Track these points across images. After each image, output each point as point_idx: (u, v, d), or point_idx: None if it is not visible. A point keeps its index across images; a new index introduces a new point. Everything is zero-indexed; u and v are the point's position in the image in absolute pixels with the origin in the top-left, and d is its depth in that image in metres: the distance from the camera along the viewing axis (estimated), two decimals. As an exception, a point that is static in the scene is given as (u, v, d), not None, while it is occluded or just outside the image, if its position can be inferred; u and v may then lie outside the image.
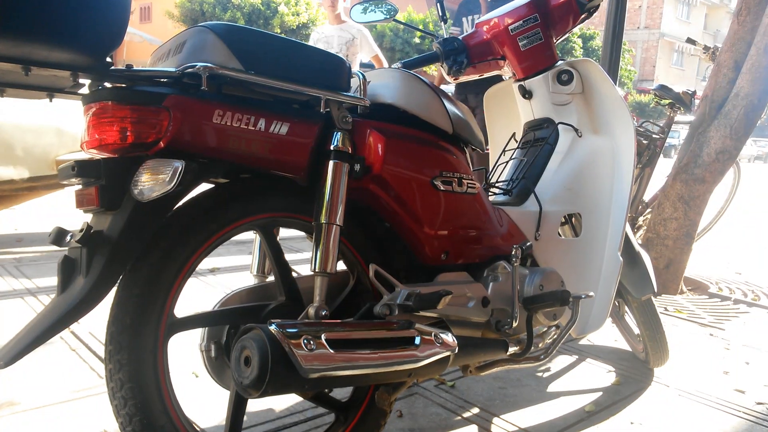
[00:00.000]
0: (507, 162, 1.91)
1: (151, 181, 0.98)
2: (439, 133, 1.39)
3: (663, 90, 3.31)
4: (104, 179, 1.00)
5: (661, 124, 3.40)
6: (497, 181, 1.84)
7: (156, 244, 1.04)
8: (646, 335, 1.97)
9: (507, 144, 1.97)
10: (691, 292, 3.24)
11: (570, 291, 1.47)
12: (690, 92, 3.31)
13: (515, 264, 1.42)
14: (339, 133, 1.18)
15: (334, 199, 1.16)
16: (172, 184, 0.97)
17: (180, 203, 1.09)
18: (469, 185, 1.42)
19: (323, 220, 1.15)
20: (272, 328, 0.98)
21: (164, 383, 1.06)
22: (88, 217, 1.06)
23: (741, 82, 3.02)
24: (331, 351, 1.02)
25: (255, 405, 1.65)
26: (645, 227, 3.36)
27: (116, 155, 1.01)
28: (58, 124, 3.18)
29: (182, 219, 1.08)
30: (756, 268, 4.05)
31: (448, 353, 1.20)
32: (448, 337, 1.21)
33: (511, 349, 1.43)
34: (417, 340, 1.15)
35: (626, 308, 2.20)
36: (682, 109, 3.30)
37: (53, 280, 1.02)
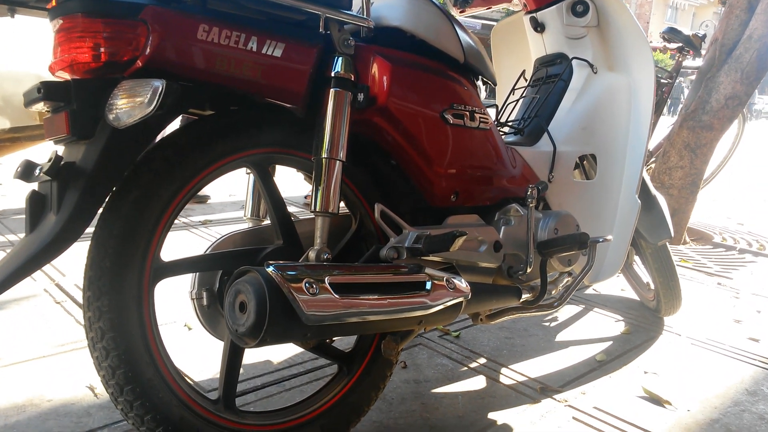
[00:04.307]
0: (517, 101, 1.79)
1: (129, 104, 0.86)
2: (450, 63, 1.27)
3: (672, 32, 3.16)
4: (75, 103, 0.87)
5: (669, 69, 3.27)
6: (507, 121, 1.73)
7: (137, 178, 0.93)
8: (660, 282, 1.89)
9: (516, 82, 1.84)
10: (694, 242, 3.18)
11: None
12: (700, 35, 3.17)
13: (531, 205, 1.32)
14: (340, 57, 1.05)
15: (335, 132, 1.04)
16: (152, 107, 0.84)
17: (163, 135, 0.97)
18: (482, 120, 1.30)
19: (324, 155, 1.04)
20: (270, 270, 0.88)
21: (151, 333, 0.96)
22: (60, 149, 0.94)
23: (755, 24, 2.88)
24: (336, 296, 0.92)
25: (252, 356, 1.56)
26: (649, 176, 3.27)
27: (88, 77, 0.89)
28: (39, 72, 3.01)
29: (167, 151, 0.96)
30: (758, 219, 3.99)
31: (460, 299, 1.11)
32: (461, 283, 1.12)
33: (524, 296, 1.35)
34: (428, 285, 1.05)
35: (635, 256, 2.12)
36: (691, 52, 3.16)
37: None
